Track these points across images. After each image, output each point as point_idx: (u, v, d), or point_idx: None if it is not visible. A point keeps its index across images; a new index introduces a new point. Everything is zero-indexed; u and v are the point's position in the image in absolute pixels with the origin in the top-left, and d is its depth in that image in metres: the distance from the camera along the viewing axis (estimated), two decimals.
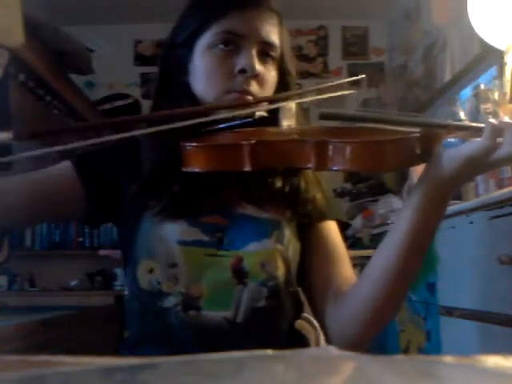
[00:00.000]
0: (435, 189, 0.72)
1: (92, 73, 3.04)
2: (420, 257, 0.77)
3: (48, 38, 2.47)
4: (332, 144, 0.70)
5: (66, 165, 0.88)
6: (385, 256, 0.77)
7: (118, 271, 3.34)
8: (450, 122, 0.74)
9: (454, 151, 0.69)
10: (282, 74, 0.90)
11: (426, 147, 0.70)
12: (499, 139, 0.66)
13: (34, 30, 2.30)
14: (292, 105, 0.84)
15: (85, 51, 2.88)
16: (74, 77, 2.93)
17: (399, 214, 0.77)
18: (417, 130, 0.72)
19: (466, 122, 0.69)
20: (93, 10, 3.60)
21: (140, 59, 4.00)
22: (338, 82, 0.83)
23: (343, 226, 0.97)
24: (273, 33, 0.87)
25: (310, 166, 0.72)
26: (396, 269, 0.76)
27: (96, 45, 3.25)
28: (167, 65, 0.90)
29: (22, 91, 2.26)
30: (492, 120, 0.67)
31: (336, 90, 0.81)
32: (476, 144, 0.67)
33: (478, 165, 0.68)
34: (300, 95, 0.83)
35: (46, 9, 3.04)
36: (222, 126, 0.81)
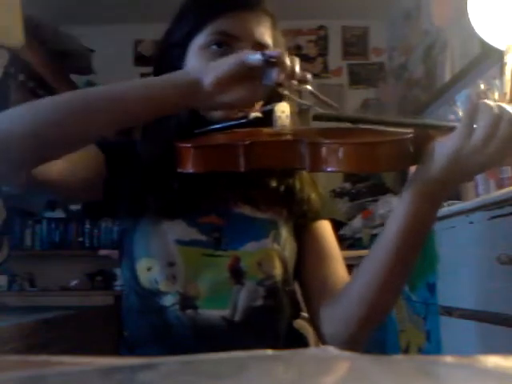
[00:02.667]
0: (426, 188, 0.71)
1: (92, 73, 3.04)
2: (412, 258, 0.77)
3: (48, 38, 2.47)
4: (326, 145, 0.70)
5: (92, 146, 0.85)
6: (377, 256, 0.77)
7: (118, 271, 3.34)
8: (444, 122, 0.73)
9: (442, 146, 0.68)
10: None
11: (420, 148, 0.70)
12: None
13: (34, 30, 2.30)
14: (286, 106, 0.84)
15: (85, 51, 2.88)
16: (73, 77, 2.93)
17: (392, 214, 0.77)
18: (410, 131, 0.72)
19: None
20: (93, 10, 3.60)
21: (140, 59, 4.00)
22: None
23: (338, 225, 0.97)
24: (266, 35, 0.87)
25: (304, 167, 0.72)
26: (388, 270, 0.76)
27: (96, 45, 3.25)
28: (161, 65, 0.90)
29: (21, 91, 2.26)
30: (472, 101, 0.67)
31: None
32: (457, 130, 0.67)
33: (465, 154, 0.66)
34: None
35: (46, 9, 3.04)
36: (216, 126, 0.82)
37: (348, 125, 0.76)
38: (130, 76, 3.75)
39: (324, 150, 0.70)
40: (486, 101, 0.66)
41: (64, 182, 0.81)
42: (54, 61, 2.54)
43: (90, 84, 3.76)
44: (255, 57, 0.70)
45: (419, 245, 0.77)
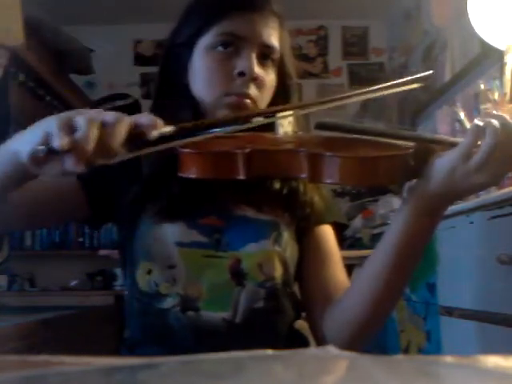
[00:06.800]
0: (424, 202, 0.71)
1: (92, 73, 3.04)
2: (411, 266, 0.77)
3: (48, 38, 2.47)
4: (326, 158, 0.69)
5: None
6: (376, 265, 0.77)
7: (118, 271, 3.34)
8: (446, 137, 0.73)
9: (440, 163, 0.68)
10: (282, 77, 0.90)
11: (420, 162, 0.70)
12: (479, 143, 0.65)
13: (34, 30, 2.30)
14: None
15: (85, 51, 2.88)
16: (73, 77, 2.93)
17: (390, 225, 0.77)
18: (412, 144, 0.71)
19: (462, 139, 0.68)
20: (92, 10, 3.60)
21: (140, 59, 4.00)
22: (404, 80, 0.78)
23: (342, 228, 0.97)
24: (273, 36, 0.87)
25: (304, 176, 0.72)
26: (386, 278, 0.76)
27: (96, 45, 3.25)
28: (167, 65, 0.90)
29: (21, 91, 2.26)
30: (477, 122, 0.66)
31: (399, 86, 0.78)
32: (457, 148, 0.66)
33: (462, 174, 0.66)
34: (302, 106, 0.82)
35: (45, 9, 3.04)
36: (218, 129, 0.81)
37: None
38: (130, 76, 3.76)
39: (324, 162, 0.69)
40: (492, 122, 0.64)
41: (36, 222, 0.84)
42: (54, 61, 2.54)
43: (89, 84, 3.77)
44: (38, 148, 0.59)
45: (418, 255, 0.76)
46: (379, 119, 3.37)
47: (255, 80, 0.84)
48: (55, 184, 0.88)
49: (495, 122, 0.64)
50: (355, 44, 3.99)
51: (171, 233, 0.83)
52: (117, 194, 0.88)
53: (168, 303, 0.82)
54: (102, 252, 3.23)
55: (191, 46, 0.87)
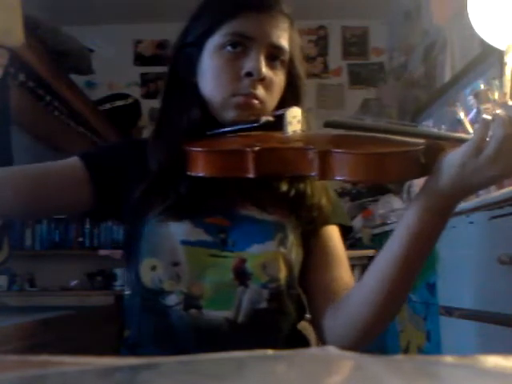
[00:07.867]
0: (433, 200, 0.71)
1: (92, 73, 3.04)
2: (417, 267, 0.77)
3: (48, 38, 2.47)
4: (335, 155, 0.69)
5: (75, 160, 0.88)
6: (382, 265, 0.77)
7: (118, 271, 3.34)
8: (457, 134, 0.73)
9: (449, 160, 0.68)
10: (291, 78, 0.90)
11: (430, 159, 0.70)
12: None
13: (33, 30, 2.30)
14: (298, 111, 0.84)
15: (85, 51, 2.88)
16: (73, 77, 2.92)
17: (399, 224, 0.77)
18: (422, 141, 0.71)
19: (470, 135, 0.68)
20: (93, 10, 3.61)
21: (140, 59, 4.00)
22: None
23: (347, 231, 0.96)
24: (282, 37, 0.86)
25: (313, 174, 0.72)
26: (392, 278, 0.75)
27: (96, 45, 3.25)
28: (176, 64, 0.90)
29: (21, 91, 2.26)
30: (485, 116, 0.66)
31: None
32: (467, 144, 0.67)
33: (473, 169, 0.66)
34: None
35: (46, 9, 3.04)
36: (227, 129, 0.81)
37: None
38: (130, 76, 3.75)
39: (334, 159, 0.69)
40: (500, 114, 0.65)
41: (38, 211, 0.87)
42: (54, 61, 2.54)
43: (89, 84, 3.76)
44: None
45: (425, 255, 0.76)
46: (379, 119, 3.37)
47: (263, 81, 0.84)
48: (58, 170, 0.88)
49: (503, 114, 0.65)
50: (355, 44, 3.99)
51: (177, 231, 0.83)
52: (124, 190, 0.88)
53: (171, 300, 0.82)
54: (102, 252, 3.23)
55: (200, 45, 0.87)
